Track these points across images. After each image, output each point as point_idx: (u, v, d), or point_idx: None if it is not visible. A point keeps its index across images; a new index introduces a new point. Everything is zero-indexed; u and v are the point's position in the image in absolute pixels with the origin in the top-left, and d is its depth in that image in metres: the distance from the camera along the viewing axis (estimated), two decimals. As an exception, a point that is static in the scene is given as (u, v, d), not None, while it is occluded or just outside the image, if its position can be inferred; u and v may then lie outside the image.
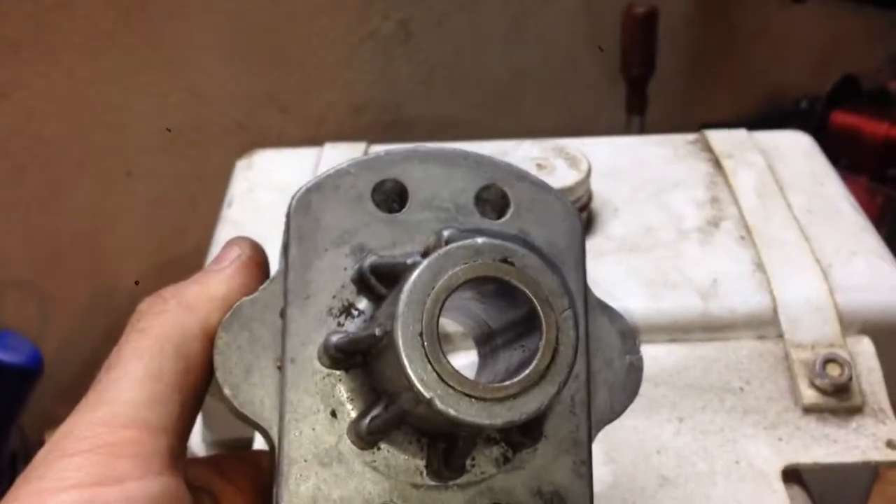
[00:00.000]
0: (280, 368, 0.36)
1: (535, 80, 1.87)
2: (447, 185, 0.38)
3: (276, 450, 0.35)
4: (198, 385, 0.37)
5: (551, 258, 0.38)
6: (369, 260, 0.36)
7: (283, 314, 0.36)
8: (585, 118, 1.88)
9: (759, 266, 0.70)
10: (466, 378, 0.33)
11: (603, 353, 0.38)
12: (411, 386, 0.32)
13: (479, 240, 0.34)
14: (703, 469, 0.60)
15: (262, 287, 0.37)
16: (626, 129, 1.76)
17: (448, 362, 0.33)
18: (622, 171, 0.82)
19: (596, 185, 0.76)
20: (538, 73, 1.87)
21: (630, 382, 0.39)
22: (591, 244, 0.74)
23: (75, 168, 1.47)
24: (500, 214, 0.38)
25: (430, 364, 0.32)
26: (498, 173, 0.39)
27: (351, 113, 1.70)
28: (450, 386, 0.32)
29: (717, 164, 0.82)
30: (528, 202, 0.38)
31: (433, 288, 0.33)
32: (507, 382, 0.33)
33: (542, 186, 0.39)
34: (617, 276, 0.71)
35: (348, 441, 0.35)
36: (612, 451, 0.61)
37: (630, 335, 0.39)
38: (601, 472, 0.59)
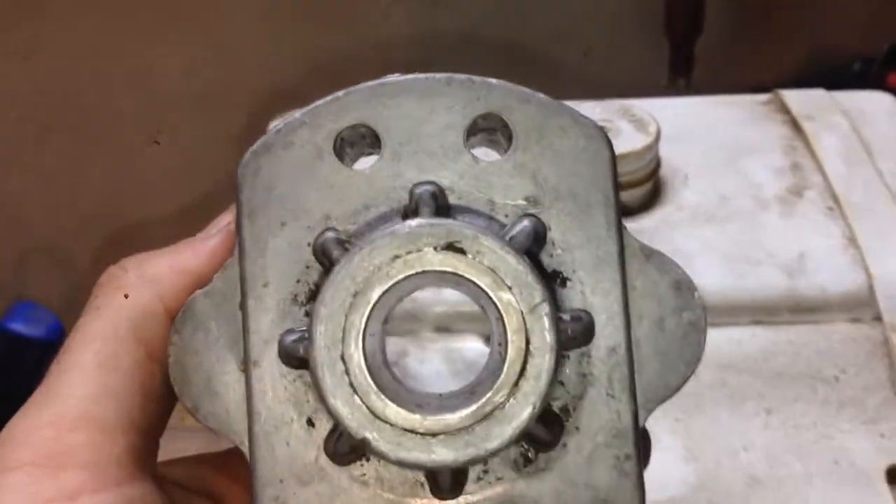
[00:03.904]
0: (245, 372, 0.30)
1: (574, 42, 1.80)
2: (429, 121, 0.31)
3: (249, 468, 0.30)
4: (164, 372, 0.31)
5: (569, 200, 0.31)
6: (322, 237, 0.30)
7: (242, 307, 0.31)
8: (628, 80, 1.81)
9: (851, 240, 0.63)
10: (408, 409, 0.27)
11: (651, 312, 0.31)
12: (339, 423, 0.27)
13: (414, 222, 0.28)
14: (797, 469, 0.54)
15: (216, 275, 0.31)
16: (671, 94, 1.69)
17: (379, 392, 0.27)
18: (690, 134, 0.76)
19: (663, 150, 0.70)
20: (578, 33, 1.80)
21: (689, 347, 0.31)
22: (661, 214, 0.68)
23: (101, 131, 1.43)
24: (506, 149, 0.31)
25: (358, 396, 0.27)
26: (494, 97, 0.31)
27: (384, 72, 1.64)
28: (385, 422, 0.27)
29: (795, 126, 0.75)
30: (537, 129, 0.31)
31: (354, 295, 0.27)
32: (462, 413, 0.27)
33: (554, 107, 0.31)
34: (691, 250, 0.64)
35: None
36: (693, 447, 0.55)
37: (687, 287, 0.31)
38: (682, 472, 0.54)
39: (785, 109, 0.77)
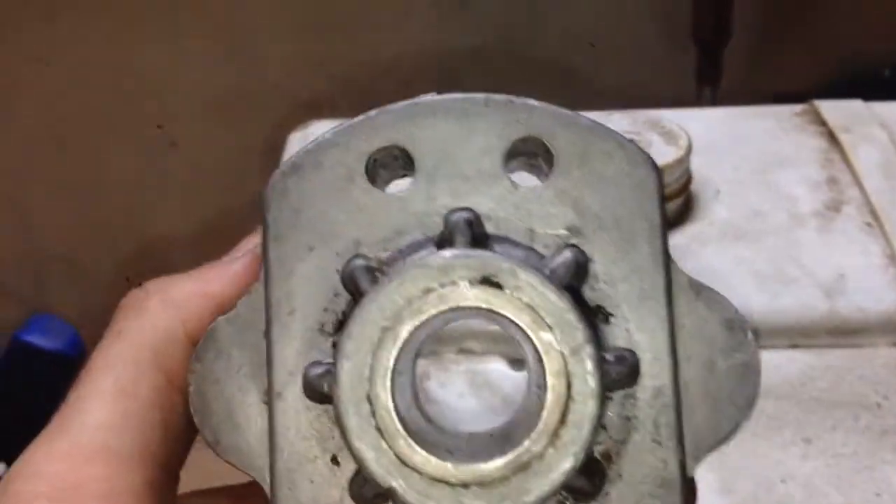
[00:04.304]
0: (268, 405, 0.29)
1: (595, 48, 1.77)
2: (466, 144, 0.29)
3: None
4: (185, 402, 0.30)
5: (613, 230, 0.29)
6: (351, 265, 0.28)
7: (266, 335, 0.29)
8: (650, 88, 1.78)
9: (892, 258, 0.60)
10: (438, 456, 0.25)
11: (700, 353, 0.29)
12: (363, 469, 0.25)
13: (448, 253, 0.26)
14: (837, 502, 0.51)
15: (240, 301, 0.30)
16: (697, 102, 1.65)
17: (407, 436, 0.25)
18: (720, 147, 0.73)
19: (693, 163, 0.67)
20: (599, 39, 1.77)
21: (742, 391, 0.29)
22: (692, 231, 0.65)
23: (117, 138, 1.42)
24: (547, 175, 0.29)
25: (384, 440, 0.25)
26: (535, 120, 0.29)
27: (403, 82, 1.62)
28: (413, 469, 0.25)
29: (831, 138, 0.72)
30: (580, 154, 0.29)
31: (383, 330, 0.25)
32: (496, 462, 0.25)
33: (598, 130, 0.29)
34: (723, 268, 0.62)
35: None
36: (728, 478, 0.52)
37: (739, 326, 0.29)
38: (717, 504, 0.51)
39: (820, 121, 0.74)
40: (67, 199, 1.44)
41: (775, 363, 0.56)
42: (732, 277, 0.61)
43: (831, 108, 0.75)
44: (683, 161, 0.64)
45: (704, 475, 0.51)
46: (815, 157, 0.71)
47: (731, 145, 0.73)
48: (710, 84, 1.61)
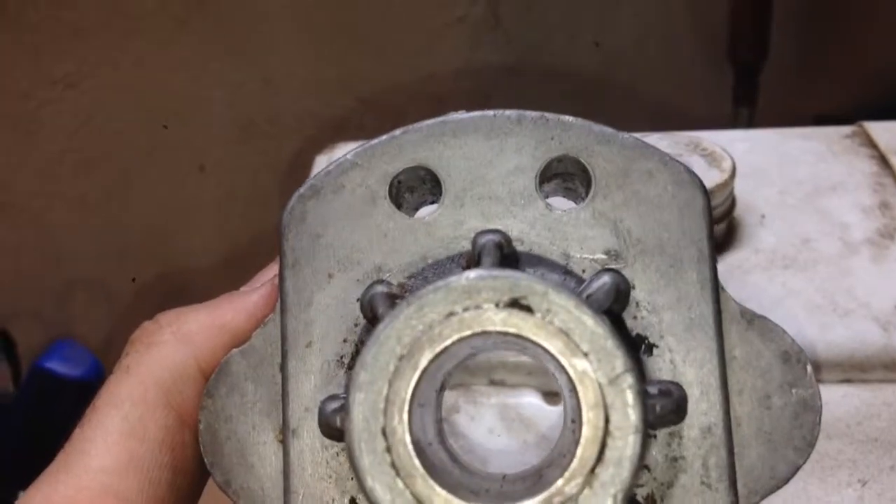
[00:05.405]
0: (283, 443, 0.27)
1: (628, 67, 1.75)
2: (496, 164, 0.28)
3: None
4: (197, 441, 0.29)
5: (656, 255, 0.27)
6: (371, 292, 0.27)
7: (282, 368, 0.28)
8: (686, 109, 1.76)
9: (952, 289, 0.57)
10: (461, 497, 0.23)
11: (754, 387, 0.27)
12: None
13: (472, 273, 0.24)
14: (900, 552, 0.47)
15: (255, 333, 0.28)
16: (733, 123, 1.62)
17: (427, 475, 0.23)
18: (765, 170, 0.70)
19: (736, 187, 0.64)
20: (632, 59, 1.75)
21: (799, 430, 0.28)
22: (735, 259, 0.62)
23: (145, 161, 1.42)
24: (584, 197, 0.28)
25: (401, 479, 0.23)
26: (571, 137, 0.28)
27: (433, 103, 1.60)
28: None
29: (882, 161, 0.69)
30: (620, 174, 0.27)
31: (400, 358, 0.23)
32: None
33: (639, 148, 0.28)
34: (770, 298, 0.58)
35: None
36: (779, 524, 0.49)
37: (797, 359, 0.28)
38: (768, 553, 0.47)
39: (871, 143, 0.71)
40: (93, 222, 1.44)
41: (828, 400, 0.52)
42: (780, 309, 0.57)
43: (882, 130, 0.72)
44: (727, 185, 0.61)
45: (754, 521, 0.48)
46: (867, 181, 0.67)
47: (776, 168, 0.70)
48: (746, 105, 1.59)
